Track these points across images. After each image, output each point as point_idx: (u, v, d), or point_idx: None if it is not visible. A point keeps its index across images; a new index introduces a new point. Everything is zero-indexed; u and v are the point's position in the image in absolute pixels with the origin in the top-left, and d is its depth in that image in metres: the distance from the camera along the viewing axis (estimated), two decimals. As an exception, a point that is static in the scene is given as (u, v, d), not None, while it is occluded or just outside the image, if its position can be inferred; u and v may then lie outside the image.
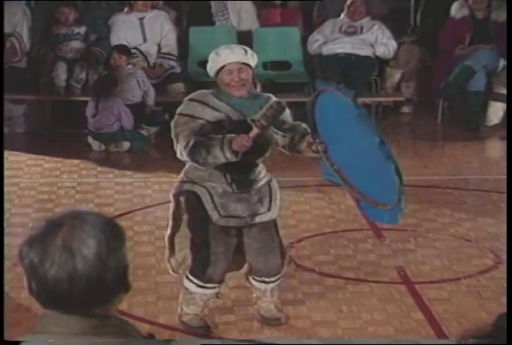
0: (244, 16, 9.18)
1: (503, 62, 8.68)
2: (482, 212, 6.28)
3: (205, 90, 4.38)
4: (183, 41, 9.02)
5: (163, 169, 7.31)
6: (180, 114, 4.33)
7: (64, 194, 6.70)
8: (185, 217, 4.39)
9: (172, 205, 4.45)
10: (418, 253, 5.49)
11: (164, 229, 5.92)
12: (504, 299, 4.79)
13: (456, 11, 8.88)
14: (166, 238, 4.54)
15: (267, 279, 4.47)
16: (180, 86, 8.77)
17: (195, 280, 4.40)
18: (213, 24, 9.29)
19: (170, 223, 4.49)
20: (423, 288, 4.95)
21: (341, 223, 6.05)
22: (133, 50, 8.57)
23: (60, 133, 8.28)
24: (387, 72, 9.08)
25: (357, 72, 8.61)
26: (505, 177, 7.27)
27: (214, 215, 4.28)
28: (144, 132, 8.12)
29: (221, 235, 4.31)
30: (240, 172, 4.31)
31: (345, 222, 6.06)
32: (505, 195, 6.61)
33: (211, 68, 4.35)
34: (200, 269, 4.35)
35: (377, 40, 8.77)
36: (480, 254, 5.48)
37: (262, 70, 9.04)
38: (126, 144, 7.91)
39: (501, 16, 8.79)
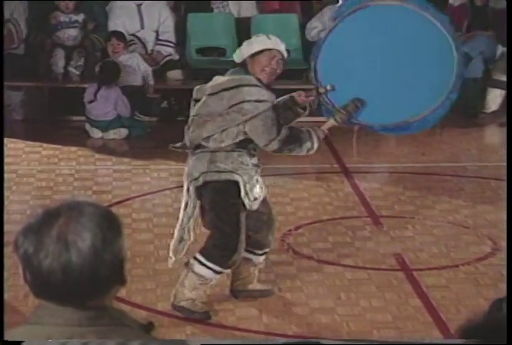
0: (244, 3, 9.15)
1: (501, 49, 8.66)
2: (481, 199, 6.28)
3: (242, 75, 4.36)
4: (180, 28, 8.99)
5: (161, 157, 7.31)
6: (244, 102, 4.29)
7: (62, 181, 6.70)
8: (210, 205, 4.37)
9: (195, 194, 4.39)
10: (416, 240, 5.50)
11: (162, 216, 5.94)
12: (502, 285, 4.80)
13: (455, -3, 8.86)
14: (179, 225, 4.52)
15: (260, 252, 4.56)
16: (177, 73, 8.75)
17: (214, 267, 4.40)
18: (211, 10, 9.26)
19: (190, 211, 4.45)
20: (421, 275, 4.95)
21: (339, 210, 6.06)
22: (131, 37, 8.55)
23: (58, 120, 8.27)
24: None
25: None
26: (505, 164, 7.27)
27: (246, 201, 4.34)
28: (141, 118, 8.13)
29: (245, 220, 4.38)
30: (258, 156, 4.47)
31: (343, 209, 6.06)
32: (503, 182, 6.62)
33: (250, 48, 4.39)
34: (225, 256, 4.36)
35: (376, 27, 8.75)
36: (477, 241, 5.49)
37: (261, 56, 9.02)
38: (125, 131, 7.90)
39: (499, 3, 8.77)
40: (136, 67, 8.21)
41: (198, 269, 4.43)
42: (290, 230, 5.66)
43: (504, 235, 5.55)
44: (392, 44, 4.41)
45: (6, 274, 4.53)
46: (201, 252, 4.43)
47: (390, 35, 4.41)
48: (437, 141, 7.80)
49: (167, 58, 8.72)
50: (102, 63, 8.07)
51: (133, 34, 8.61)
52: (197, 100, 4.47)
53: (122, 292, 4.50)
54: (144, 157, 7.31)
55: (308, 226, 5.72)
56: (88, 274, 1.75)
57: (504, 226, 5.70)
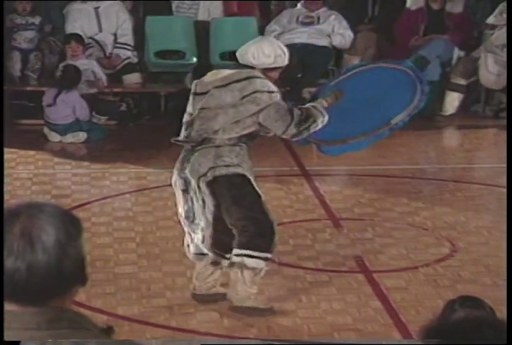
0: (213, 7, 9.15)
1: (457, 53, 8.75)
2: (439, 201, 6.33)
3: (250, 70, 4.40)
4: (139, 31, 8.96)
5: (121, 160, 7.28)
6: (257, 92, 4.31)
7: (20, 185, 6.63)
8: (231, 200, 4.37)
9: (208, 190, 4.37)
10: (375, 242, 5.52)
11: (122, 220, 5.91)
12: (460, 287, 4.84)
13: (412, 2, 8.94)
14: (188, 223, 4.51)
15: (229, 255, 4.52)
16: (136, 76, 8.71)
17: (263, 255, 4.40)
18: (170, 12, 9.24)
19: (199, 208, 4.43)
20: (381, 277, 4.98)
21: (299, 213, 6.07)
22: (89, 40, 8.50)
23: (16, 123, 8.19)
24: (344, 59, 9.11)
25: (314, 62, 8.63)
26: (463, 165, 7.34)
27: (259, 190, 4.44)
28: (98, 121, 8.08)
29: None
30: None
31: (303, 212, 6.07)
32: (461, 184, 6.69)
33: (267, 59, 4.42)
34: (268, 241, 4.39)
35: (334, 30, 8.79)
36: (436, 243, 5.53)
37: (220, 60, 9.02)
38: (83, 135, 7.85)
39: (456, 7, 8.87)
40: (91, 74, 8.16)
41: (250, 262, 4.40)
42: (250, 233, 5.65)
43: (462, 236, 5.61)
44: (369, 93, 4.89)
45: None
46: (243, 246, 4.39)
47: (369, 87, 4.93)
48: (396, 143, 7.85)
49: (126, 61, 8.68)
50: (63, 67, 8.01)
51: (91, 37, 8.56)
52: (198, 94, 4.44)
53: (82, 297, 4.48)
54: (103, 161, 7.27)
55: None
56: (53, 269, 1.74)
57: (462, 228, 5.76)
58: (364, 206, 6.21)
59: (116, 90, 8.56)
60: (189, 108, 4.51)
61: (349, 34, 8.82)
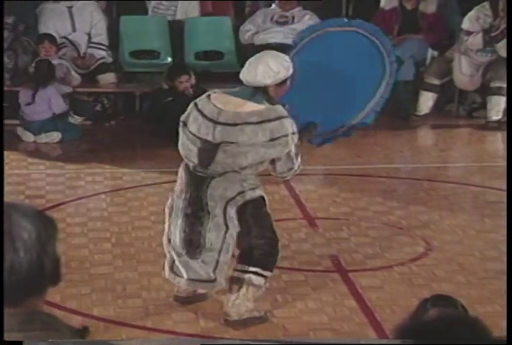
0: (190, 7, 9.14)
1: (431, 53, 8.80)
2: (414, 200, 6.36)
3: (278, 108, 4.33)
4: (113, 30, 8.93)
5: (96, 161, 7.25)
6: (287, 135, 4.29)
7: (-6, 186, 6.59)
8: (253, 220, 4.41)
9: (237, 215, 4.36)
10: (351, 241, 5.54)
11: (97, 221, 5.89)
12: (435, 285, 4.87)
13: (386, 1, 8.97)
14: (183, 247, 4.41)
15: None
16: (111, 76, 8.69)
17: (268, 274, 4.46)
18: (145, 12, 9.22)
19: (216, 233, 4.36)
20: (357, 276, 5.00)
21: (275, 212, 6.02)
22: (62, 39, 8.46)
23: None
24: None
25: (289, 62, 8.63)
26: (438, 165, 7.38)
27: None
28: (74, 121, 8.05)
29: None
30: None
31: (279, 212, 6.07)
32: (436, 183, 6.72)
33: (278, 75, 4.36)
34: (274, 261, 4.47)
35: (309, 30, 8.81)
36: (411, 242, 5.56)
37: (195, 60, 9.02)
38: (58, 135, 7.81)
39: (429, 7, 8.91)
40: (63, 75, 8.13)
41: (257, 280, 4.41)
42: (226, 233, 5.65)
43: (437, 235, 5.64)
44: (336, 61, 4.83)
45: None
46: (253, 264, 4.39)
47: (336, 54, 4.84)
48: (371, 143, 7.88)
49: (100, 61, 8.65)
50: (36, 63, 7.98)
51: (65, 37, 8.52)
52: (221, 124, 4.29)
53: (56, 298, 4.46)
54: (78, 161, 7.24)
55: (244, 229, 5.72)
56: (34, 268, 1.73)
57: (437, 227, 5.79)
58: (340, 205, 6.23)
59: (90, 90, 8.53)
60: (205, 135, 4.32)
61: (324, 34, 8.84)
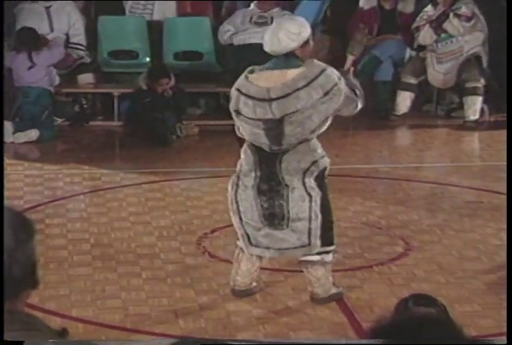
0: (167, 7, 9.13)
1: (409, 52, 8.84)
2: (393, 200, 6.38)
3: (317, 62, 4.48)
4: (91, 30, 8.90)
5: (74, 161, 7.22)
6: (336, 84, 4.42)
7: (-29, 187, 6.55)
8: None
9: (315, 183, 4.47)
10: (330, 241, 5.53)
11: (76, 222, 5.87)
12: (414, 285, 4.88)
13: (364, 1, 9.00)
14: (265, 222, 4.54)
15: None
16: (89, 77, 8.66)
17: (333, 247, 4.63)
18: (123, 12, 9.19)
19: (301, 203, 4.47)
20: (336, 276, 4.99)
21: (254, 213, 6.06)
22: (40, 40, 8.42)
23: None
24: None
25: (268, 63, 8.64)
26: (416, 165, 7.41)
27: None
28: (54, 122, 8.04)
29: None
30: None
31: (258, 212, 6.07)
32: (414, 183, 6.75)
33: (301, 36, 4.47)
34: (333, 234, 4.64)
35: (288, 30, 8.82)
36: (390, 242, 5.57)
37: (174, 60, 9.00)
38: (36, 133, 7.78)
39: (407, 7, 8.96)
40: (47, 72, 8.10)
41: (328, 257, 4.63)
42: (206, 233, 5.66)
43: (416, 235, 5.65)
44: None
45: None
46: (322, 244, 4.56)
47: None
48: (350, 143, 7.90)
49: (79, 61, 8.62)
50: (19, 31, 8.07)
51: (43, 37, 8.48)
52: (270, 100, 4.34)
53: (35, 299, 4.44)
54: (56, 162, 7.21)
55: (224, 229, 5.72)
56: (11, 269, 1.72)
57: (416, 227, 5.81)
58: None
59: (69, 90, 8.50)
60: (264, 115, 4.35)
61: (303, 35, 8.85)
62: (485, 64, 8.62)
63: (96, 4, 9.30)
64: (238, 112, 4.46)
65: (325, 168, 4.52)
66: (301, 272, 5.02)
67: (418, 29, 8.54)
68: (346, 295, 4.76)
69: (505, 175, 6.93)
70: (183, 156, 7.57)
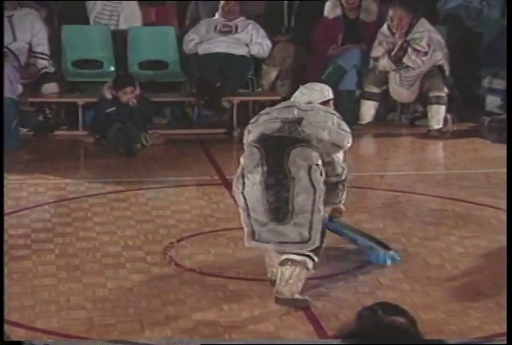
0: (131, 17, 9.12)
1: (372, 62, 8.90)
2: (358, 208, 6.40)
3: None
4: (55, 40, 8.86)
5: (39, 171, 7.18)
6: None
7: None
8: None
9: (320, 177, 4.61)
10: (296, 250, 5.54)
11: (40, 232, 5.83)
12: (379, 293, 4.90)
13: (329, 11, 9.05)
14: (269, 215, 4.65)
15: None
16: (53, 86, 8.62)
17: (316, 259, 4.72)
18: (86, 21, 9.16)
19: (306, 196, 4.59)
20: (303, 284, 5.01)
21: (220, 222, 6.07)
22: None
23: None
24: (263, 70, 9.18)
25: (233, 72, 8.66)
26: (381, 173, 7.45)
27: None
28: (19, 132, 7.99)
29: None
30: None
31: (224, 221, 6.08)
32: (379, 192, 6.79)
33: (324, 96, 5.02)
34: (321, 247, 4.75)
35: (252, 39, 8.85)
36: (356, 250, 5.58)
37: (139, 69, 8.99)
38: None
39: (370, 16, 9.02)
40: (8, 84, 8.05)
41: (310, 264, 4.70)
42: (172, 243, 5.64)
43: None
44: None
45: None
46: (311, 247, 4.67)
47: None
48: (315, 152, 7.91)
49: (43, 71, 8.58)
50: None
51: (5, 47, 8.43)
52: (295, 107, 4.77)
53: None
54: (20, 172, 7.16)
55: (190, 239, 5.71)
56: None
57: (381, 235, 5.83)
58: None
59: (33, 100, 8.45)
60: (287, 115, 4.72)
61: (267, 43, 8.89)
62: (447, 73, 8.70)
63: (60, 13, 9.26)
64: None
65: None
66: (267, 280, 5.03)
67: (376, 59, 8.59)
68: (312, 304, 4.76)
69: (468, 183, 7.00)
70: (148, 165, 7.55)
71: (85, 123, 8.37)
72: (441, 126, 8.60)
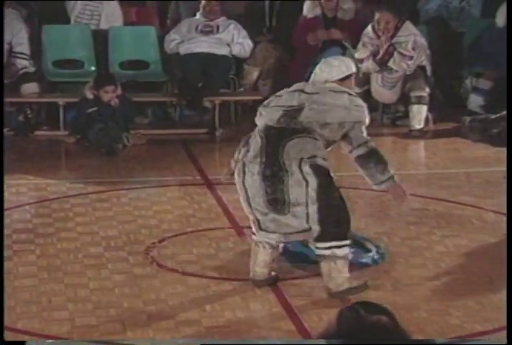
0: (113, 17, 9.10)
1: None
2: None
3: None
4: (35, 40, 8.83)
5: (20, 172, 7.14)
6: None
7: None
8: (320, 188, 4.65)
9: (311, 170, 4.63)
10: (278, 250, 5.54)
11: (22, 232, 5.80)
12: (362, 293, 4.90)
13: (308, 10, 9.06)
14: (269, 206, 4.71)
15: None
16: (34, 86, 8.58)
17: (346, 242, 4.73)
18: (67, 21, 9.13)
19: (299, 188, 4.64)
20: (285, 284, 5.01)
21: (202, 222, 6.07)
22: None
23: None
24: (245, 70, 9.18)
25: (214, 71, 8.66)
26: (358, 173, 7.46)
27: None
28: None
29: None
30: None
31: (207, 221, 6.08)
32: (360, 191, 6.79)
33: (343, 72, 4.86)
34: (347, 228, 4.75)
35: (234, 39, 8.85)
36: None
37: (120, 69, 8.97)
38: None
39: (347, 14, 9.04)
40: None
41: (341, 251, 4.72)
42: (154, 243, 5.63)
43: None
44: None
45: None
46: (330, 238, 4.69)
47: None
48: (296, 152, 7.91)
49: (23, 71, 8.54)
50: None
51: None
52: (303, 92, 4.75)
53: (-20, 312, 4.37)
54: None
55: (172, 239, 5.70)
56: None
57: (363, 234, 5.84)
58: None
59: (13, 100, 8.41)
60: (290, 102, 4.72)
61: (249, 43, 8.89)
62: (429, 73, 8.73)
63: (40, 13, 9.23)
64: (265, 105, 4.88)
65: (321, 167, 4.68)
66: (249, 280, 5.03)
67: (361, 61, 8.60)
68: (294, 303, 4.77)
69: (449, 183, 7.03)
70: (130, 165, 7.53)
71: (67, 123, 8.34)
72: (422, 125, 8.63)
